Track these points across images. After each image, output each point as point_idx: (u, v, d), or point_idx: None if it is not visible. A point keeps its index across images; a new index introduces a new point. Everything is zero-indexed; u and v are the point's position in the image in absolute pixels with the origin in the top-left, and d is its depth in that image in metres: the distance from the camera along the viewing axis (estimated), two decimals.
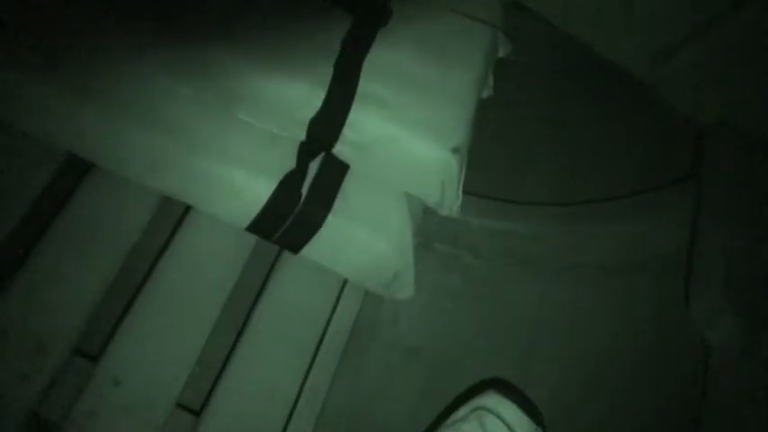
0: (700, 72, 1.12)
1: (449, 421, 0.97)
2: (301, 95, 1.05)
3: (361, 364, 1.16)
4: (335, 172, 1.09)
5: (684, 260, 1.11)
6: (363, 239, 1.08)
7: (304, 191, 1.05)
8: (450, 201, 1.12)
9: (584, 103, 1.46)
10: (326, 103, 1.05)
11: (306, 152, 1.07)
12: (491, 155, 1.31)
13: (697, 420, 0.99)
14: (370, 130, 1.06)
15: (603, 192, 1.32)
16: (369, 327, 1.18)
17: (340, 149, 1.08)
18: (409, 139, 1.06)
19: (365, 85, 1.07)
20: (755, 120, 1.13)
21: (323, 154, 1.09)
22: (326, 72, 1.06)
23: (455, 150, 1.06)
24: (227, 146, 1.05)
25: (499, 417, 0.93)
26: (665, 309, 1.14)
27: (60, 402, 0.96)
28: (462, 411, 0.96)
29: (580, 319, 1.22)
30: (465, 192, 1.15)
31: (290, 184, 1.05)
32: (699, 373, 1.04)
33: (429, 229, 1.26)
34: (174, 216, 1.12)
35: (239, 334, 1.07)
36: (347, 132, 1.06)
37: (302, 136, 1.07)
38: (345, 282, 1.16)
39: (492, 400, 0.95)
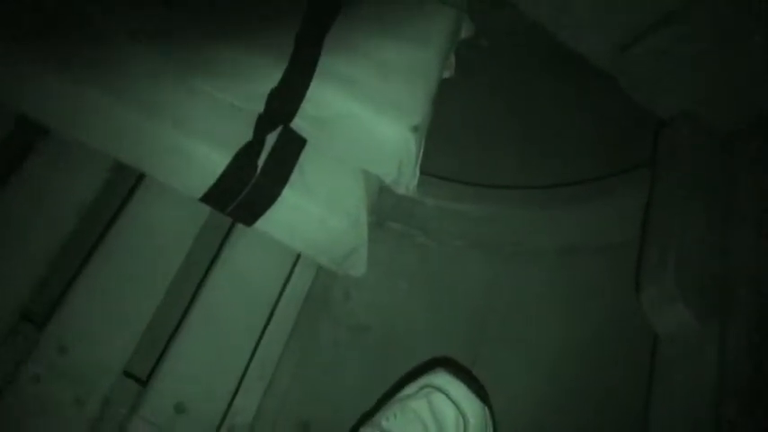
0: (660, 63, 1.12)
1: (397, 398, 0.97)
2: (262, 67, 1.04)
3: (312, 339, 1.16)
4: (293, 146, 1.09)
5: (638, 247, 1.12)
6: (318, 214, 1.08)
7: (260, 163, 1.05)
8: (407, 179, 1.12)
9: (547, 88, 1.46)
10: (286, 75, 1.04)
11: (264, 125, 1.07)
12: (450, 136, 1.31)
13: (646, 407, 1.00)
14: (329, 105, 1.05)
15: (561, 177, 1.32)
16: (320, 302, 1.18)
17: (299, 124, 1.07)
18: (368, 115, 1.05)
19: (326, 60, 1.06)
20: (714, 111, 1.14)
21: (281, 128, 1.08)
22: (288, 45, 1.06)
23: (414, 129, 1.06)
24: (184, 115, 1.03)
25: (447, 395, 0.93)
26: (618, 295, 1.15)
27: (5, 367, 0.94)
28: (411, 389, 0.97)
29: (532, 303, 1.22)
30: (422, 172, 1.15)
31: (246, 155, 1.04)
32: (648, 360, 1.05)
33: (383, 208, 1.26)
34: (126, 183, 1.11)
35: (189, 304, 1.07)
36: (306, 107, 1.05)
37: (261, 108, 1.06)
38: (298, 256, 1.15)
39: (440, 378, 0.95)
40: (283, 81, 1.04)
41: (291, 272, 1.14)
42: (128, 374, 1.01)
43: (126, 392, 1.00)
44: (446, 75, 1.24)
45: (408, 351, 1.15)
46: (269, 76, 1.04)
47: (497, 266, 1.27)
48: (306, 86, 1.04)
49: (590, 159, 1.35)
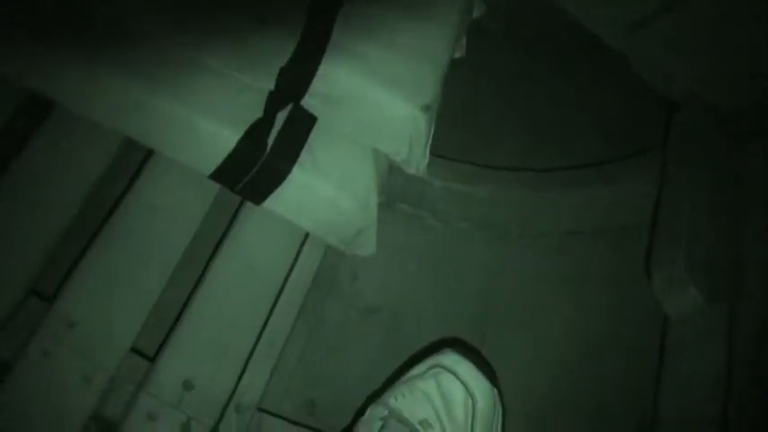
0: (671, 43, 1.12)
1: (405, 378, 0.97)
2: (272, 44, 1.04)
3: (319, 320, 1.15)
4: (303, 124, 1.08)
5: (646, 230, 1.12)
6: (328, 194, 1.07)
7: (270, 141, 1.04)
8: (417, 159, 1.11)
9: (557, 71, 1.45)
10: (297, 52, 1.04)
11: (274, 102, 1.06)
12: (459, 117, 1.30)
13: (655, 391, 1.00)
14: (340, 82, 1.05)
15: (570, 159, 1.32)
16: (328, 282, 1.18)
17: (309, 102, 1.07)
18: (380, 93, 1.05)
19: (338, 37, 1.06)
20: (724, 93, 1.13)
21: (291, 105, 1.07)
22: (299, 21, 1.05)
23: (425, 108, 1.05)
24: (195, 92, 1.03)
25: (456, 375, 0.93)
26: (625, 279, 1.15)
27: (14, 342, 0.94)
28: (419, 369, 0.96)
29: (540, 286, 1.22)
30: (431, 154, 1.15)
31: (256, 133, 1.04)
32: (657, 343, 1.05)
33: (393, 189, 1.25)
34: (135, 159, 1.11)
35: (197, 282, 1.06)
36: (317, 84, 1.05)
37: (271, 86, 1.06)
38: (307, 235, 1.15)
39: (449, 358, 0.95)
40: (294, 58, 1.03)
41: (300, 251, 1.13)
42: (136, 351, 1.01)
43: (134, 369, 1.00)
44: (457, 55, 1.23)
45: (416, 332, 1.15)
46: (280, 53, 1.03)
47: (504, 248, 1.26)
48: (317, 64, 1.04)
49: (598, 143, 1.35)
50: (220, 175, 1.05)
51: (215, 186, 1.09)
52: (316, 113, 1.09)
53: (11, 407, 0.91)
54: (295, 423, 1.05)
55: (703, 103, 1.15)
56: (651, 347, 1.05)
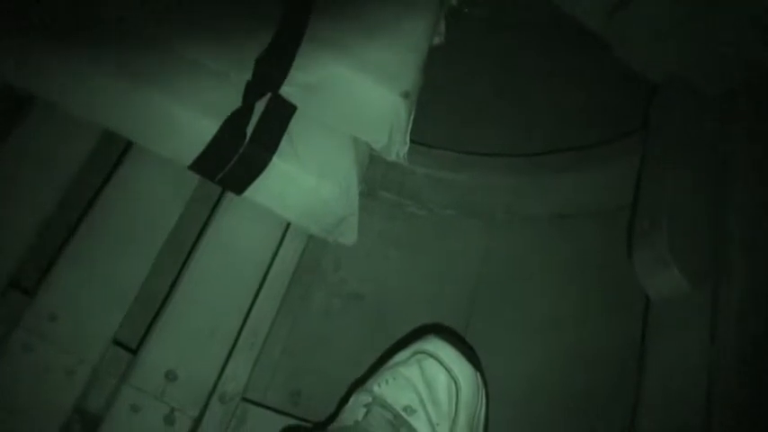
0: (652, 25, 1.12)
1: (389, 364, 0.97)
2: (250, 33, 1.04)
3: (303, 308, 1.16)
4: (282, 113, 1.08)
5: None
6: (308, 183, 1.07)
7: (249, 131, 1.04)
8: (397, 146, 1.11)
9: (539, 56, 1.45)
10: (275, 41, 1.04)
11: (252, 92, 1.06)
12: (441, 104, 1.30)
13: (639, 375, 1.01)
14: (318, 70, 1.05)
15: (554, 144, 1.32)
16: (311, 271, 1.18)
17: (288, 90, 1.07)
18: (359, 81, 1.05)
19: (315, 25, 1.06)
20: (704, 73, 1.13)
21: (270, 95, 1.07)
22: (276, 10, 1.05)
23: (405, 95, 1.05)
24: (173, 83, 1.03)
25: (439, 360, 0.93)
26: (611, 261, 1.15)
27: None
28: (402, 355, 0.96)
29: (525, 270, 1.22)
30: (412, 141, 1.15)
31: (234, 123, 1.04)
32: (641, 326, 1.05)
33: (374, 177, 1.25)
34: (115, 152, 1.10)
35: (179, 273, 1.06)
36: (295, 73, 1.05)
37: (249, 75, 1.05)
38: (288, 225, 1.14)
39: (432, 344, 0.95)
40: (271, 47, 1.03)
41: (282, 241, 1.13)
42: (118, 343, 1.01)
43: (116, 360, 0.99)
44: (436, 41, 1.23)
45: (400, 319, 1.15)
46: (257, 42, 1.03)
47: (489, 234, 1.26)
48: (294, 52, 1.04)
49: (581, 126, 1.35)
50: (200, 165, 1.05)
51: (195, 177, 1.09)
52: (295, 102, 1.08)
53: None
54: (280, 412, 1.05)
55: (684, 83, 1.14)
56: (637, 331, 1.05)
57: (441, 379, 0.93)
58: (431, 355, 0.94)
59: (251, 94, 1.05)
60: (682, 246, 1.00)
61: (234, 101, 1.05)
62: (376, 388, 0.94)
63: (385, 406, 0.92)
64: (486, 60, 1.45)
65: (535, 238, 1.26)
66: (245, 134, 1.03)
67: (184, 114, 1.02)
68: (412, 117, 1.10)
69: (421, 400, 0.92)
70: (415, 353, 0.95)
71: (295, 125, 1.08)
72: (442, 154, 1.29)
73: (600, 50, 1.22)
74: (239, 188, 1.07)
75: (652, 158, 1.12)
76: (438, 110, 1.28)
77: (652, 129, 1.16)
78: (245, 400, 1.04)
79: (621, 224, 1.15)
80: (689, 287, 0.98)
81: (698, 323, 0.97)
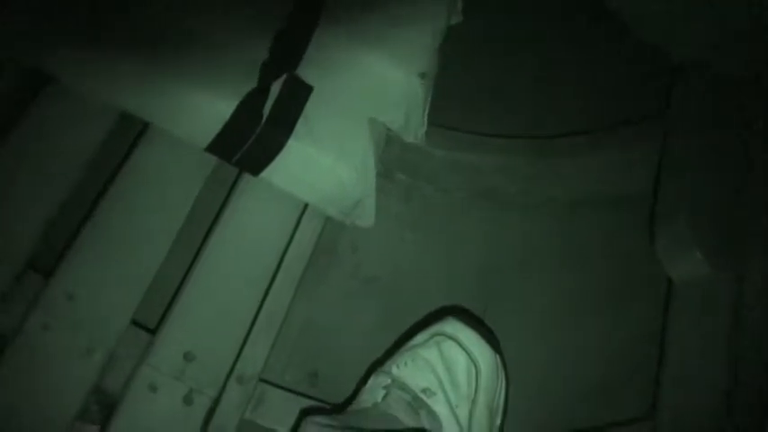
0: (675, 5, 1.11)
1: (407, 346, 0.96)
2: (266, 13, 1.03)
3: (319, 291, 1.15)
4: (299, 93, 1.07)
5: (651, 197, 1.11)
6: (326, 164, 1.07)
7: (266, 112, 1.04)
8: (414, 126, 1.11)
9: (558, 37, 1.44)
10: (291, 21, 1.03)
11: (268, 72, 1.05)
12: (459, 85, 1.29)
13: (659, 360, 1.00)
14: (335, 51, 1.05)
15: (573, 126, 1.30)
16: (328, 254, 1.17)
17: (304, 71, 1.06)
18: (375, 61, 1.04)
19: (332, 4, 1.05)
20: (729, 57, 1.12)
21: (286, 75, 1.06)
22: None
23: (422, 75, 1.05)
24: (189, 63, 1.02)
25: (458, 342, 0.92)
26: (629, 247, 1.14)
27: (13, 316, 0.94)
28: (421, 337, 0.96)
29: (542, 254, 1.22)
30: (429, 123, 1.14)
31: (251, 104, 1.03)
32: (661, 313, 1.04)
33: (390, 159, 1.24)
34: (131, 133, 1.09)
35: (197, 254, 1.06)
36: (311, 53, 1.04)
37: (265, 55, 1.05)
38: (305, 207, 1.13)
39: (451, 326, 0.94)
40: (288, 27, 1.03)
41: (298, 223, 1.12)
42: (136, 323, 1.01)
43: (134, 341, 0.99)
44: (453, 20, 1.22)
45: (417, 302, 1.14)
46: (273, 22, 1.03)
47: (506, 217, 1.25)
48: (311, 31, 1.03)
49: (599, 109, 1.33)
50: (216, 146, 1.05)
51: (212, 159, 1.09)
52: (311, 83, 1.08)
53: (10, 381, 0.91)
54: (297, 393, 1.05)
55: (706, 66, 1.13)
56: (655, 317, 1.05)
57: (460, 361, 0.92)
58: (450, 338, 0.94)
59: (267, 75, 1.05)
60: (704, 228, 0.99)
61: (250, 82, 1.04)
62: (395, 370, 0.94)
63: (404, 388, 0.92)
64: (503, 41, 1.44)
65: (553, 223, 1.25)
66: (261, 115, 1.03)
67: (201, 95, 1.01)
68: (429, 97, 1.09)
69: (440, 383, 0.92)
70: (435, 335, 0.95)
71: (311, 106, 1.07)
72: (458, 135, 1.27)
73: (620, 31, 1.21)
74: (256, 169, 1.07)
75: (673, 142, 1.11)
76: (453, 90, 1.26)
77: (673, 112, 1.15)
78: (262, 381, 1.03)
79: (640, 209, 1.14)
80: (711, 270, 0.98)
81: (721, 307, 0.97)
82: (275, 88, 1.05)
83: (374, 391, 0.94)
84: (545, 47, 1.43)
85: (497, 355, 0.96)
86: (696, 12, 1.11)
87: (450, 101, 1.23)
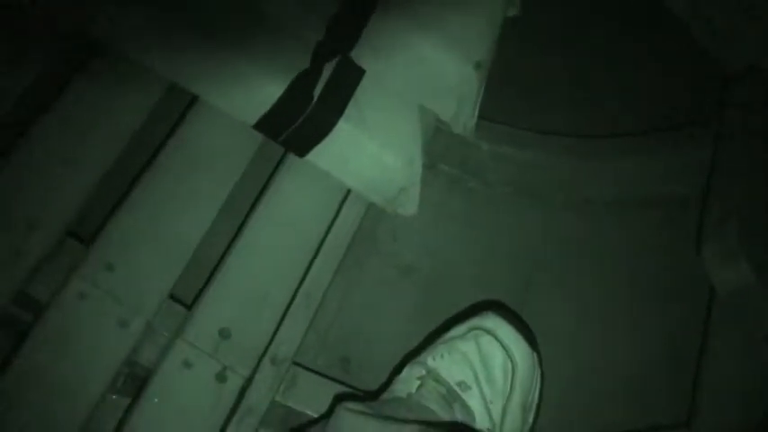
0: (733, 11, 1.09)
1: (444, 338, 0.95)
2: None
3: (357, 277, 1.14)
4: (351, 76, 1.06)
5: (695, 202, 1.09)
6: (373, 150, 1.06)
7: (317, 93, 1.03)
8: (465, 118, 1.10)
9: (613, 37, 1.42)
10: (349, 2, 1.02)
11: (323, 53, 1.04)
12: (510, 80, 1.28)
13: (697, 367, 0.99)
14: (390, 36, 1.03)
15: (622, 127, 1.29)
16: (368, 240, 1.16)
17: (358, 54, 1.05)
18: (431, 48, 1.03)
19: None
20: None
21: (339, 57, 1.06)
22: None
23: (477, 65, 1.04)
24: (242, 38, 1.02)
25: (496, 338, 0.91)
26: (671, 251, 1.13)
27: (51, 283, 0.94)
28: (459, 330, 0.95)
29: (582, 254, 1.20)
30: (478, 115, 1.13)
31: (303, 84, 1.02)
32: (702, 318, 1.03)
33: (435, 150, 1.23)
34: (179, 106, 1.09)
35: (237, 232, 1.05)
36: (367, 36, 1.03)
37: (321, 36, 1.04)
38: (348, 192, 1.13)
39: (490, 321, 0.93)
40: (346, 8, 1.02)
41: (341, 207, 1.12)
42: (173, 298, 1.00)
43: (171, 315, 0.99)
44: (511, 12, 1.21)
45: (453, 294, 1.14)
46: (331, 2, 1.01)
47: (548, 215, 1.24)
48: (368, 15, 1.02)
49: (649, 111, 1.32)
50: (265, 124, 1.04)
51: (258, 136, 1.08)
52: (364, 66, 1.07)
53: (44, 348, 0.90)
54: (330, 378, 1.04)
55: (763, 74, 1.12)
56: (696, 322, 1.03)
57: (497, 356, 0.91)
58: (488, 332, 0.93)
59: (321, 56, 1.04)
60: (752, 240, 0.98)
61: (303, 61, 1.03)
62: (431, 361, 0.93)
63: (439, 380, 0.91)
64: (553, 38, 1.42)
65: (593, 223, 1.23)
66: (312, 95, 1.02)
67: (254, 72, 1.01)
68: (482, 89, 1.08)
69: (476, 377, 0.91)
70: (472, 328, 0.94)
71: (362, 90, 1.06)
72: (505, 130, 1.26)
73: (670, 34, 1.19)
74: (303, 150, 1.06)
75: (725, 149, 1.09)
76: (502, 85, 1.25)
77: (726, 119, 1.13)
78: (295, 363, 1.03)
79: (684, 215, 1.13)
80: (757, 281, 0.96)
81: (764, 318, 0.96)
82: (327, 70, 1.04)
83: (409, 382, 0.93)
84: (600, 47, 1.41)
85: (534, 353, 0.95)
86: (759, 20, 1.09)
87: (501, 95, 1.22)
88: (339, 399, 0.99)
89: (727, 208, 1.01)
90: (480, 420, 0.90)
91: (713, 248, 1.00)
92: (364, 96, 1.05)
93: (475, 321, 0.95)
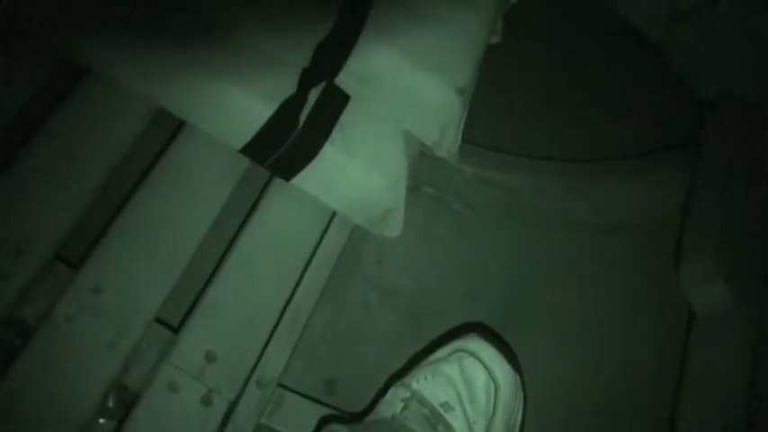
0: (709, 39, 1.12)
1: (428, 360, 0.97)
2: (310, 20, 1.04)
3: (342, 299, 1.15)
4: (336, 102, 1.07)
5: (676, 222, 1.11)
6: (358, 173, 1.07)
7: (302, 118, 1.04)
8: (448, 142, 1.11)
9: (593, 62, 1.44)
10: (335, 29, 1.03)
11: (308, 78, 1.05)
12: (492, 104, 1.29)
13: (677, 388, 1.00)
14: (376, 61, 1.05)
15: (603, 151, 1.31)
16: (352, 262, 1.18)
17: (343, 79, 1.06)
18: (415, 74, 1.05)
19: (376, 16, 1.06)
20: (761, 92, 1.13)
21: (325, 82, 1.07)
22: None
23: (460, 91, 1.05)
24: (230, 64, 1.03)
25: (479, 360, 0.93)
26: (654, 273, 1.14)
27: (38, 306, 0.94)
28: (442, 352, 0.96)
29: (566, 276, 1.22)
30: (462, 140, 1.14)
31: (288, 109, 1.03)
32: (683, 337, 1.04)
33: (419, 173, 1.24)
34: (167, 130, 1.10)
35: (223, 255, 1.06)
36: (352, 62, 1.05)
37: (307, 62, 1.05)
38: (334, 215, 1.14)
39: (473, 343, 0.94)
40: (331, 35, 1.03)
41: (326, 229, 1.13)
42: (160, 321, 1.01)
43: (157, 338, 0.99)
44: (493, 40, 1.23)
45: (438, 316, 1.15)
46: (317, 29, 1.03)
47: (532, 237, 1.25)
48: (353, 42, 1.04)
49: (629, 136, 1.34)
50: (251, 149, 1.05)
51: (244, 161, 1.09)
52: (349, 92, 1.08)
53: (33, 370, 0.90)
54: (315, 401, 1.05)
55: (739, 101, 1.14)
56: (677, 342, 1.05)
57: (480, 378, 0.93)
58: (471, 354, 0.94)
59: (307, 81, 1.05)
60: (729, 261, 0.99)
61: (289, 87, 1.04)
62: (415, 383, 0.94)
63: (423, 402, 0.92)
64: (533, 64, 1.44)
65: (575, 244, 1.25)
66: (298, 121, 1.03)
67: (240, 97, 1.02)
68: (465, 114, 1.10)
69: (459, 398, 0.92)
70: (456, 350, 0.95)
71: (347, 115, 1.07)
72: (488, 154, 1.27)
73: (655, 58, 1.21)
74: (288, 175, 1.07)
75: (703, 174, 1.11)
76: (485, 108, 1.27)
77: (705, 145, 1.15)
78: (280, 386, 1.04)
79: (665, 236, 1.15)
80: (734, 303, 0.98)
81: (741, 341, 0.97)
82: (313, 95, 1.05)
83: (393, 404, 0.94)
84: (580, 70, 1.43)
85: (517, 375, 0.96)
86: (734, 46, 1.11)
87: (483, 119, 1.23)
88: (324, 421, 1.00)
89: (705, 229, 1.02)
90: None
91: (690, 268, 1.01)
92: (349, 121, 1.07)
93: (458, 343, 0.96)
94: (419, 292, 1.19)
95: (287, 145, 1.03)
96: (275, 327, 1.04)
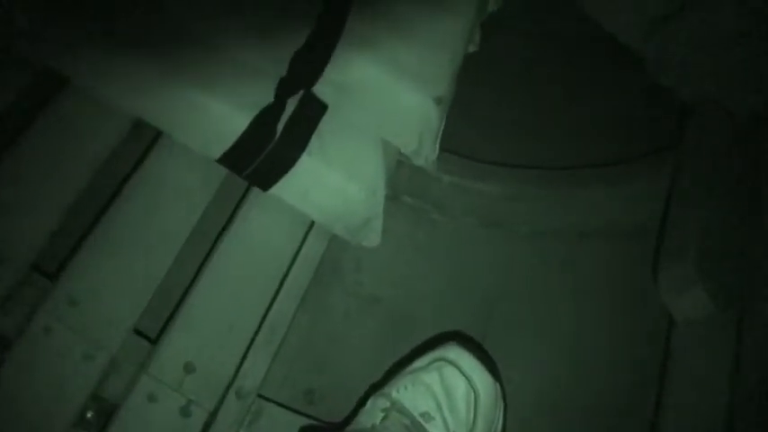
0: (688, 46, 1.12)
1: (408, 370, 0.97)
2: (287, 29, 1.04)
3: (321, 308, 1.15)
4: (314, 111, 1.07)
5: (654, 230, 1.11)
6: (336, 183, 1.07)
7: (280, 128, 1.04)
8: (426, 151, 1.11)
9: (571, 69, 1.45)
10: (311, 39, 1.04)
11: (286, 88, 1.05)
12: (470, 113, 1.30)
13: (659, 391, 1.00)
14: (353, 71, 1.05)
15: (582, 158, 1.32)
16: (331, 271, 1.18)
17: (321, 89, 1.06)
18: (392, 83, 1.05)
19: (353, 25, 1.06)
20: (739, 98, 1.13)
21: (302, 92, 1.07)
22: (314, 8, 1.05)
23: (437, 100, 1.05)
24: (207, 75, 1.03)
25: (459, 369, 0.93)
26: (634, 280, 1.15)
27: (16, 317, 0.93)
28: (422, 361, 0.96)
29: (546, 284, 1.22)
30: (440, 149, 1.15)
31: (266, 119, 1.03)
32: (663, 345, 1.05)
33: (398, 182, 1.25)
34: (144, 141, 1.09)
35: (201, 266, 1.06)
36: (330, 72, 1.04)
37: (284, 71, 1.05)
38: (312, 224, 1.14)
39: (452, 351, 0.94)
40: (308, 44, 1.03)
41: (304, 239, 1.13)
42: (138, 332, 1.00)
43: (135, 349, 0.99)
44: (470, 49, 1.23)
45: (418, 325, 1.15)
46: (294, 39, 1.03)
47: (512, 246, 1.26)
48: (330, 51, 1.04)
49: (608, 143, 1.34)
50: (228, 159, 1.05)
51: (222, 171, 1.09)
52: (327, 101, 1.08)
53: (10, 382, 0.90)
54: (294, 411, 1.04)
55: (718, 105, 1.14)
56: (658, 350, 1.05)
57: (460, 387, 0.92)
58: (451, 363, 0.94)
59: (284, 91, 1.05)
60: (709, 268, 0.99)
61: (266, 97, 1.04)
62: (394, 393, 0.94)
63: (403, 411, 0.92)
64: (513, 71, 1.45)
65: (557, 253, 1.25)
66: (275, 131, 1.03)
67: (217, 107, 1.01)
68: (443, 123, 1.10)
69: (439, 407, 0.92)
70: (435, 359, 0.95)
71: (325, 124, 1.07)
72: (468, 163, 1.28)
73: (628, 65, 1.22)
74: (266, 184, 1.07)
75: (683, 180, 1.12)
76: (466, 118, 1.27)
77: (684, 151, 1.16)
78: (260, 396, 1.03)
79: (645, 243, 1.15)
80: (714, 308, 0.98)
81: (721, 348, 0.97)
82: (291, 105, 1.05)
83: (373, 413, 0.94)
84: (556, 77, 1.44)
85: (497, 384, 0.96)
86: (715, 53, 1.12)
87: (462, 128, 1.23)
88: (304, 431, 1.00)
89: (685, 236, 1.02)
90: None
91: (671, 276, 1.01)
92: (327, 130, 1.06)
93: (438, 352, 0.96)
94: (399, 301, 1.20)
95: (264, 155, 1.03)
96: (254, 337, 1.04)
